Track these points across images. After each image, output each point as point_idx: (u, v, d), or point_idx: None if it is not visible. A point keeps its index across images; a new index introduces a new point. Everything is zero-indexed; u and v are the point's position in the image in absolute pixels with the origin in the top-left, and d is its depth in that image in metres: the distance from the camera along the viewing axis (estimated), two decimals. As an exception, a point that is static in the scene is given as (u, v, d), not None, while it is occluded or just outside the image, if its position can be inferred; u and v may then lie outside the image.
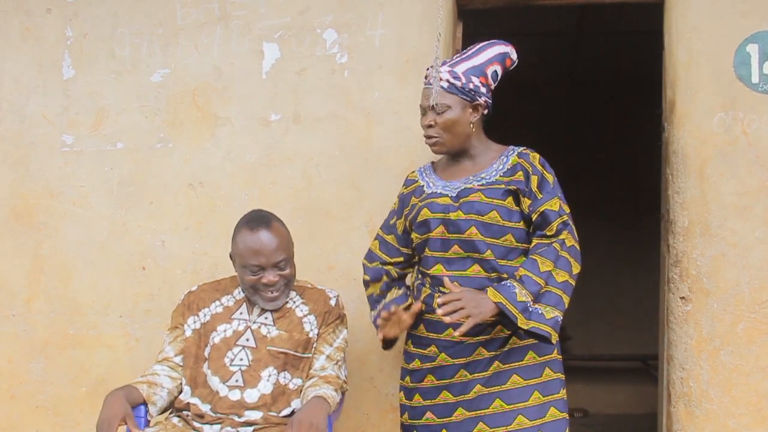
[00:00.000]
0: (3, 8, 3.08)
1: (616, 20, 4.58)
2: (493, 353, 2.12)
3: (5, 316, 2.95)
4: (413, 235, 2.27)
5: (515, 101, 4.32)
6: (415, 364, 2.22)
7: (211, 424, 2.18)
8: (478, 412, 2.09)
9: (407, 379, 2.25)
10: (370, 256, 2.40)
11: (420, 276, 2.28)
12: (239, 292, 2.37)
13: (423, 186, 2.30)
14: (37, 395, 2.91)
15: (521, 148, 2.27)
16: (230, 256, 2.34)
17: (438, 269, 2.18)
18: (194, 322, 2.34)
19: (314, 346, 2.32)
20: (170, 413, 2.30)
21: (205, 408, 2.22)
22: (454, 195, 2.20)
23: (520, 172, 2.19)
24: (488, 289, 2.05)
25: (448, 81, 2.19)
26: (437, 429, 2.15)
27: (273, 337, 2.28)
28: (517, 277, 2.06)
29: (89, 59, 3.02)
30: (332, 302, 2.37)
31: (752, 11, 2.67)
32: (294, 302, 2.36)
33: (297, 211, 2.84)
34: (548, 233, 2.13)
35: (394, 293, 2.29)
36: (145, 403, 2.21)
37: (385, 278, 2.33)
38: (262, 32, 2.93)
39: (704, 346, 2.60)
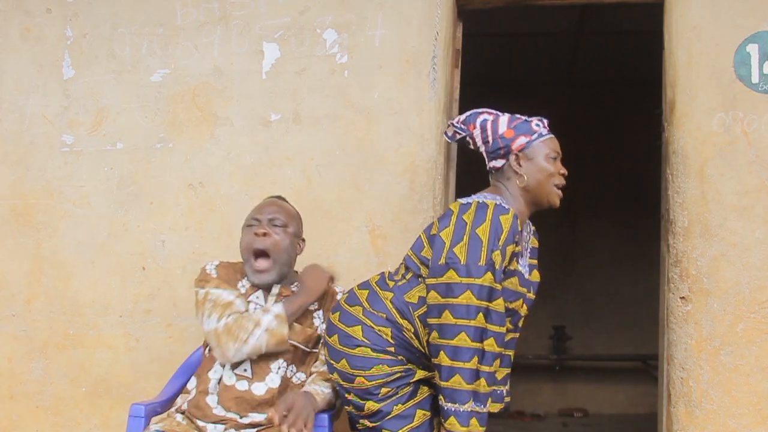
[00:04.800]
0: (3, 8, 3.08)
1: (616, 20, 4.59)
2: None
3: (5, 316, 2.95)
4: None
5: (515, 102, 4.33)
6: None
7: (215, 424, 2.18)
8: None
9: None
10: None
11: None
12: None
13: (518, 254, 2.11)
14: (37, 395, 2.91)
15: None
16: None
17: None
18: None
19: (319, 341, 2.33)
20: (174, 411, 2.28)
21: (211, 400, 2.20)
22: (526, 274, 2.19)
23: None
24: None
25: None
26: None
27: None
28: None
29: (89, 59, 3.02)
30: (339, 297, 2.36)
31: (752, 11, 2.68)
32: None
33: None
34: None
35: None
36: None
37: None
38: (262, 32, 2.93)
39: (704, 346, 2.60)
